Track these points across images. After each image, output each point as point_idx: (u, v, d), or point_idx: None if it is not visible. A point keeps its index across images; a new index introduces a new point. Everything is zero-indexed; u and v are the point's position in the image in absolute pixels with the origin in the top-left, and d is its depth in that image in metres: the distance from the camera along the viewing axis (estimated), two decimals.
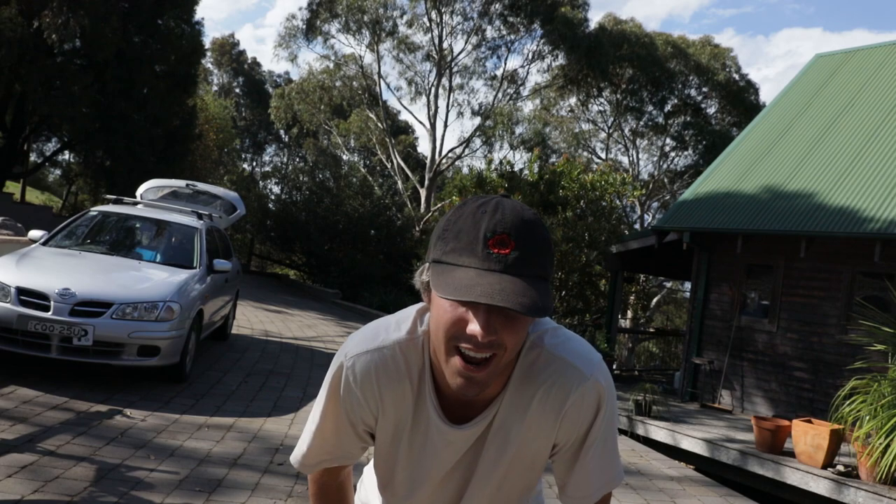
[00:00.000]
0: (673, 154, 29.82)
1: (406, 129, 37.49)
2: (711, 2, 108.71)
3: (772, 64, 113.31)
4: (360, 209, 20.32)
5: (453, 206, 1.16)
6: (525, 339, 1.21)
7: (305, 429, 1.36)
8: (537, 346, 1.23)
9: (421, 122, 27.42)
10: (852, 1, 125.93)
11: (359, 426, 1.30)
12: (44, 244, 6.59)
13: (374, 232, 20.27)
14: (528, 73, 27.10)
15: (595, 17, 78.30)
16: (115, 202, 7.90)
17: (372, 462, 1.49)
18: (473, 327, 1.06)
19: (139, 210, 7.70)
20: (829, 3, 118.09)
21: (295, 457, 1.38)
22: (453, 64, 25.14)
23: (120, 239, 7.19)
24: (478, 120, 26.15)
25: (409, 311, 1.29)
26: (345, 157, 31.61)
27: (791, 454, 6.73)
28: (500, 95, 25.76)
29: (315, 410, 1.33)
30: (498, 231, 1.06)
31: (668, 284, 25.43)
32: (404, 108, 61.70)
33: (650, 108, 28.56)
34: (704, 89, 28.92)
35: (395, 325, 1.27)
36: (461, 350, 1.09)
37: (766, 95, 54.53)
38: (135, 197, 8.36)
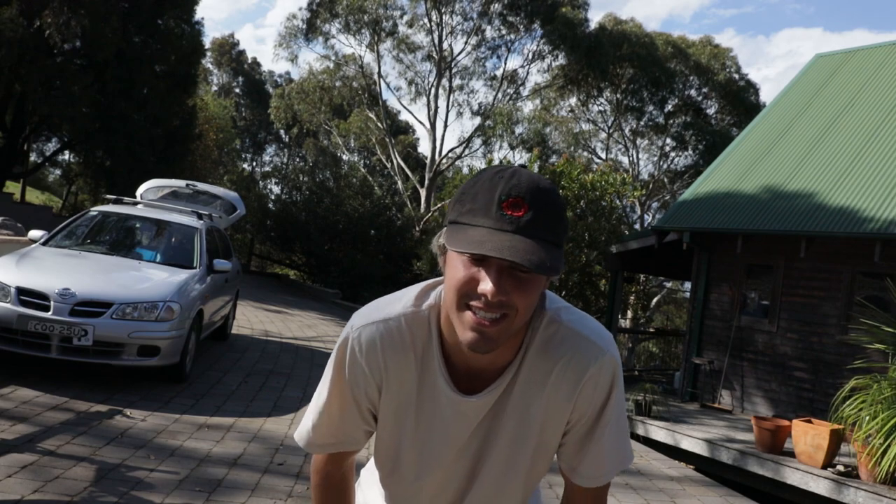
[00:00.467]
0: (673, 154, 29.84)
1: (406, 129, 37.50)
2: (712, 2, 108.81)
3: (772, 64, 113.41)
4: (360, 209, 20.32)
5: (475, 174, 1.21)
6: (542, 312, 1.25)
7: (311, 406, 1.37)
8: (555, 321, 1.26)
9: (421, 122, 27.42)
10: (853, 1, 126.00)
11: (363, 403, 1.30)
12: (44, 244, 6.59)
13: (374, 232, 20.27)
14: (527, 73, 27.10)
15: (595, 17, 78.34)
16: (115, 202, 7.90)
17: (371, 462, 1.48)
18: (485, 286, 1.09)
19: (139, 210, 7.70)
20: (830, 3, 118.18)
21: (301, 436, 1.39)
22: (453, 64, 25.14)
23: (120, 239, 7.19)
24: (478, 120, 26.16)
25: (416, 287, 1.31)
26: (345, 158, 31.62)
27: (791, 454, 6.73)
28: (499, 95, 25.76)
29: (321, 387, 1.35)
30: (513, 195, 1.10)
31: (668, 284, 25.43)
32: (404, 108, 61.78)
33: (650, 108, 28.56)
34: (705, 89, 28.93)
35: (400, 299, 1.30)
36: (472, 308, 1.12)
37: (767, 95, 54.54)
38: (135, 197, 8.36)
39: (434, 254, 1.25)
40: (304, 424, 1.38)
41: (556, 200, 1.13)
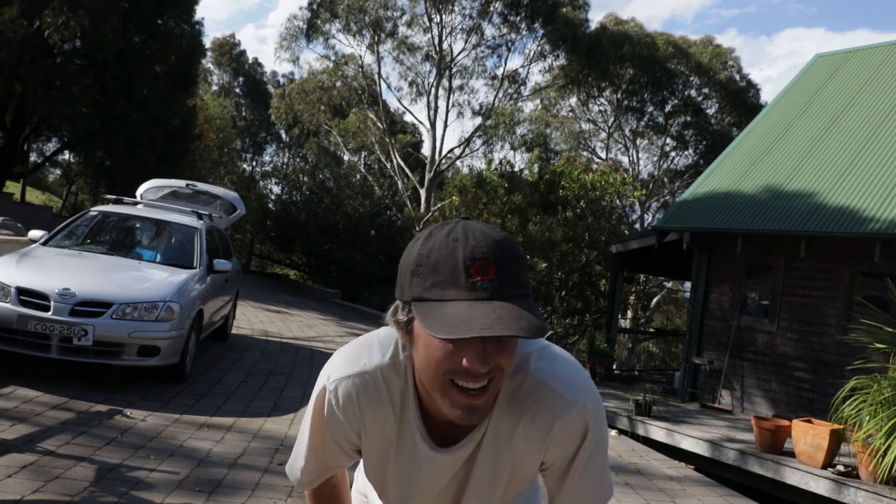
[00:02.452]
0: (673, 154, 29.83)
1: (407, 129, 37.45)
2: (714, 2, 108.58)
3: (774, 64, 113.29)
4: (360, 209, 20.31)
5: (417, 239, 1.13)
6: None
7: (297, 444, 1.39)
8: (522, 369, 1.21)
9: (421, 123, 27.43)
10: (855, 1, 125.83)
11: (345, 445, 1.32)
12: (44, 244, 6.59)
13: (374, 232, 20.27)
14: (528, 72, 27.14)
15: (596, 18, 78.31)
16: (115, 202, 7.90)
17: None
18: (470, 361, 1.05)
19: (139, 210, 7.70)
20: (832, 3, 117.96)
21: (292, 474, 1.41)
22: (453, 64, 25.14)
23: (120, 239, 7.19)
24: (478, 120, 26.18)
25: (392, 333, 1.26)
26: (346, 158, 31.62)
27: (791, 454, 6.73)
28: (500, 95, 25.76)
29: (303, 429, 1.36)
30: (477, 257, 1.05)
31: (668, 284, 25.43)
32: (405, 108, 61.78)
33: (651, 108, 28.56)
34: (705, 90, 28.93)
35: (378, 348, 1.26)
36: (456, 383, 1.08)
37: (769, 95, 54.50)
38: (135, 197, 8.36)
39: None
40: (293, 463, 1.40)
41: (515, 249, 1.09)
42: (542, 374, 1.21)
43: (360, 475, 1.59)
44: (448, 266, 1.05)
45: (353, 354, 1.27)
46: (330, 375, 1.27)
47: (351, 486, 1.60)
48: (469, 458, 1.26)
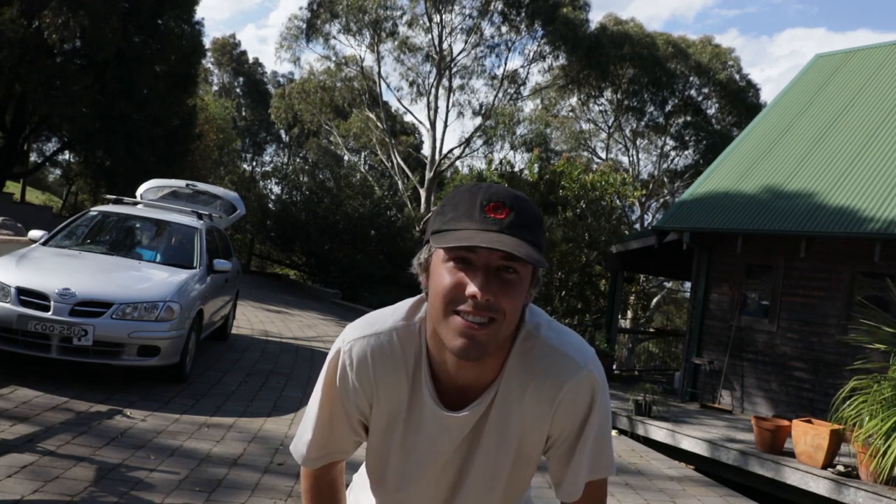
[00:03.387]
0: (673, 154, 29.83)
1: (407, 130, 37.46)
2: (715, 2, 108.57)
3: (775, 64, 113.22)
4: (360, 209, 20.31)
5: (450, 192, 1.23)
6: (521, 324, 1.25)
7: (304, 419, 1.38)
8: (533, 335, 1.26)
9: (421, 123, 27.42)
10: (855, 1, 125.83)
11: (353, 415, 1.31)
12: (44, 244, 6.59)
13: (374, 232, 20.26)
14: (528, 73, 27.07)
15: (596, 18, 78.28)
16: (115, 202, 7.90)
17: (363, 466, 1.49)
18: (472, 288, 1.11)
19: (139, 210, 7.70)
20: (833, 4, 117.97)
21: (297, 450, 1.40)
22: (453, 64, 25.14)
23: (120, 239, 7.19)
24: (478, 120, 26.16)
25: (408, 301, 1.32)
26: (346, 158, 31.61)
27: (791, 454, 6.73)
28: (500, 95, 25.74)
29: (313, 399, 1.35)
30: (493, 199, 1.14)
31: (668, 284, 25.42)
32: (405, 108, 61.83)
33: (651, 108, 28.55)
34: (705, 90, 28.93)
35: (392, 313, 1.30)
36: (460, 313, 1.13)
37: (769, 95, 54.46)
38: (135, 197, 8.36)
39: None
40: (299, 438, 1.39)
41: (533, 208, 1.17)
42: (552, 340, 1.26)
43: (351, 493, 1.56)
44: (467, 204, 1.15)
45: (370, 319, 1.31)
46: (345, 338, 1.29)
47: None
48: (477, 424, 1.27)
